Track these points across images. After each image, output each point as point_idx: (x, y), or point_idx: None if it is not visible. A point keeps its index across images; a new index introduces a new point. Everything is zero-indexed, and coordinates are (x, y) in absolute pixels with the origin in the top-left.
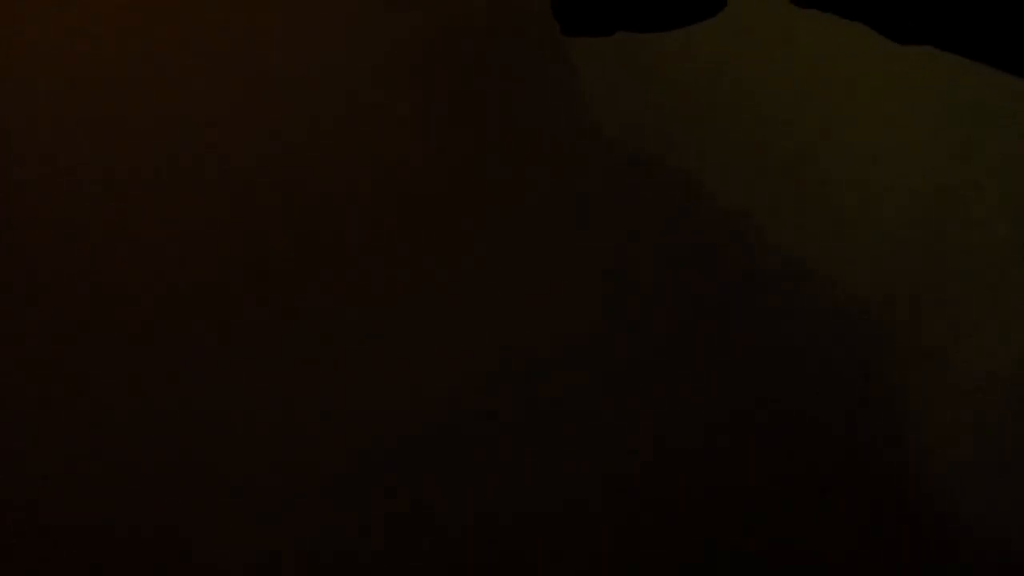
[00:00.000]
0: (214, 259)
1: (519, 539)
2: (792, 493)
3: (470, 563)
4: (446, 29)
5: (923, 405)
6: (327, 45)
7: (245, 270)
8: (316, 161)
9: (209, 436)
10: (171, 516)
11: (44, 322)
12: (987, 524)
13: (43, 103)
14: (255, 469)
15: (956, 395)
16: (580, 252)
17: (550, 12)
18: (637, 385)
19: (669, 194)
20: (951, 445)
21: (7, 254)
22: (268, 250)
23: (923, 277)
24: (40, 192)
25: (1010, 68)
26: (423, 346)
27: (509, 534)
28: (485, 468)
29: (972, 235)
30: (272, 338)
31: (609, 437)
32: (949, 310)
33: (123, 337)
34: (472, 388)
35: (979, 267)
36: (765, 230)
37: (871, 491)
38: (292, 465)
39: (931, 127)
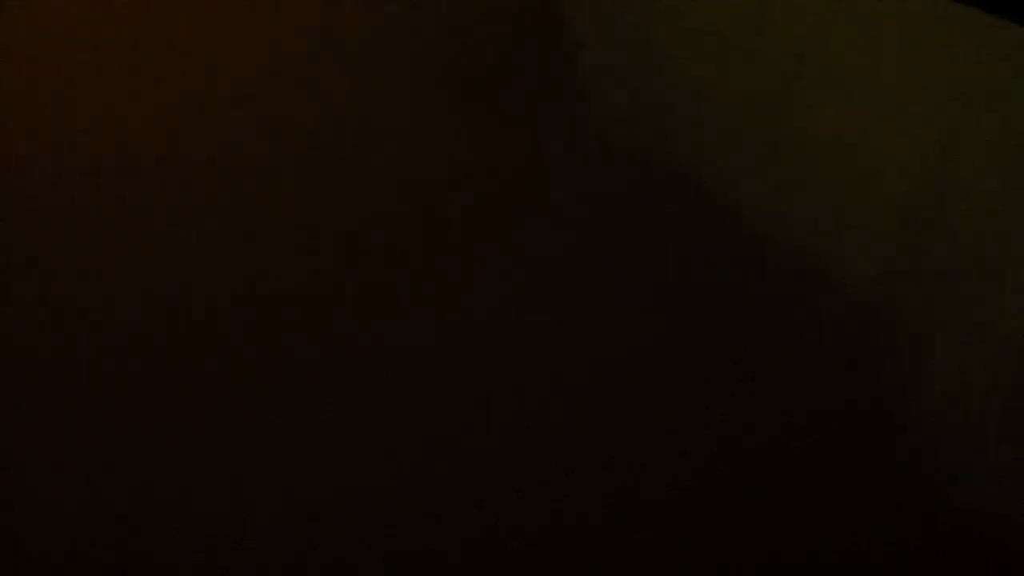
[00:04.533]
0: (217, 260)
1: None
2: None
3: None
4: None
5: (910, 394)
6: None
7: (250, 274)
8: (326, 165)
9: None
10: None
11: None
12: (984, 510)
13: (46, 101)
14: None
15: (942, 382)
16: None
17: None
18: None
19: (662, 187)
20: (944, 431)
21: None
22: (277, 249)
23: (911, 262)
24: (41, 191)
25: None
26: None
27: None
28: (544, 476)
29: (968, 214)
30: (282, 340)
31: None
32: (938, 293)
33: (124, 340)
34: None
35: (973, 249)
36: (761, 220)
37: (868, 478)
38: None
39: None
